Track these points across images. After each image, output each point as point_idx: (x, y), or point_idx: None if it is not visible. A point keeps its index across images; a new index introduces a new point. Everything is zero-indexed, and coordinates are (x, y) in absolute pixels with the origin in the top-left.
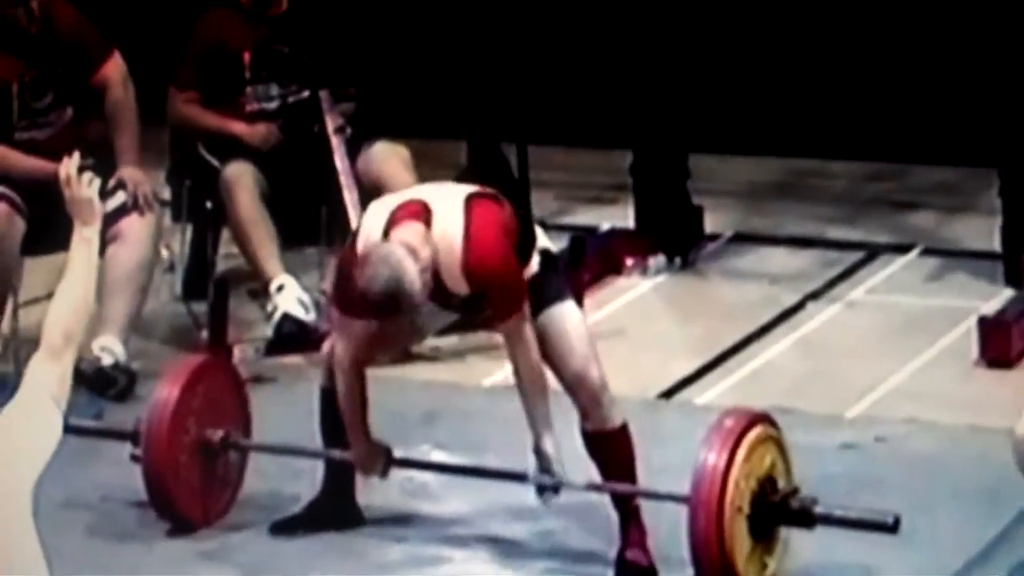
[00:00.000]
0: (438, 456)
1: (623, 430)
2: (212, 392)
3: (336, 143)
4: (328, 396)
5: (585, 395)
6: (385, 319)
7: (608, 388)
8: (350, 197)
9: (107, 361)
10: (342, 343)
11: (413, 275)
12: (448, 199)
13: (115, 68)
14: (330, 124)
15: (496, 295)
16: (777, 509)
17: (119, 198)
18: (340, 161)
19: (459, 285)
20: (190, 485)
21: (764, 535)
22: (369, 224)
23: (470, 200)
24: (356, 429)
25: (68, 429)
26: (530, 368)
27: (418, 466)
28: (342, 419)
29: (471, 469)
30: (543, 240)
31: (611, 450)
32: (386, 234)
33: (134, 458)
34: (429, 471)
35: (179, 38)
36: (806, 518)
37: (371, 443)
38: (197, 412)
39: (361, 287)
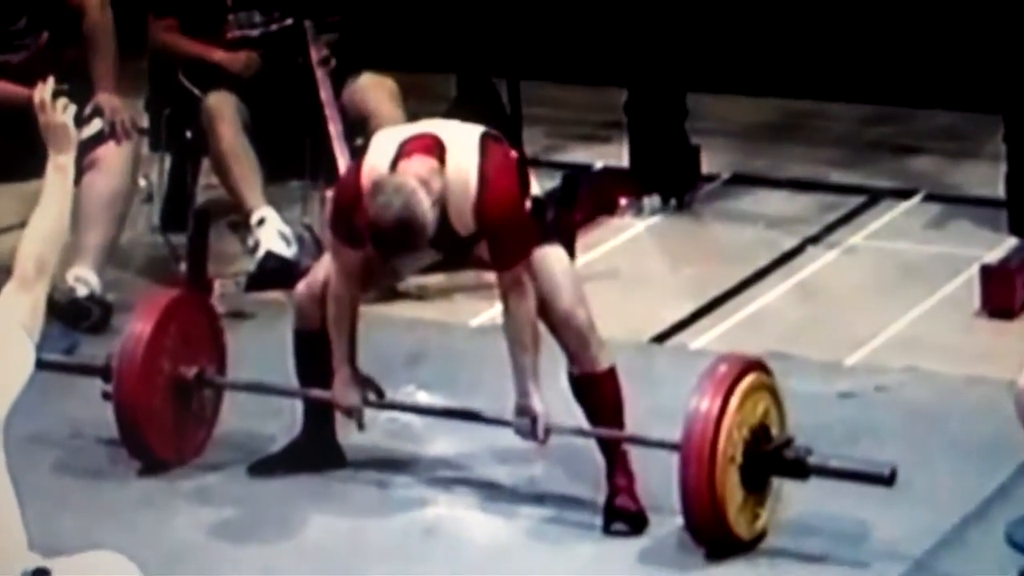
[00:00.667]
0: (423, 397)
1: (611, 373)
2: (186, 328)
3: (321, 75)
4: (301, 338)
5: (572, 337)
6: (392, 254)
7: (596, 330)
8: (335, 129)
9: (81, 292)
10: (336, 269)
11: (426, 207)
12: (462, 136)
13: None
14: (314, 55)
15: (505, 240)
16: (770, 459)
17: (96, 125)
18: (325, 92)
19: (465, 225)
20: (163, 423)
21: (756, 486)
22: (376, 155)
23: (485, 140)
24: (341, 357)
25: (37, 364)
26: (527, 320)
27: (401, 408)
28: (317, 361)
29: (455, 411)
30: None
31: (598, 394)
32: (394, 166)
33: (105, 396)
34: (412, 413)
35: None
36: (800, 469)
37: (355, 373)
38: (170, 348)
39: (371, 217)
